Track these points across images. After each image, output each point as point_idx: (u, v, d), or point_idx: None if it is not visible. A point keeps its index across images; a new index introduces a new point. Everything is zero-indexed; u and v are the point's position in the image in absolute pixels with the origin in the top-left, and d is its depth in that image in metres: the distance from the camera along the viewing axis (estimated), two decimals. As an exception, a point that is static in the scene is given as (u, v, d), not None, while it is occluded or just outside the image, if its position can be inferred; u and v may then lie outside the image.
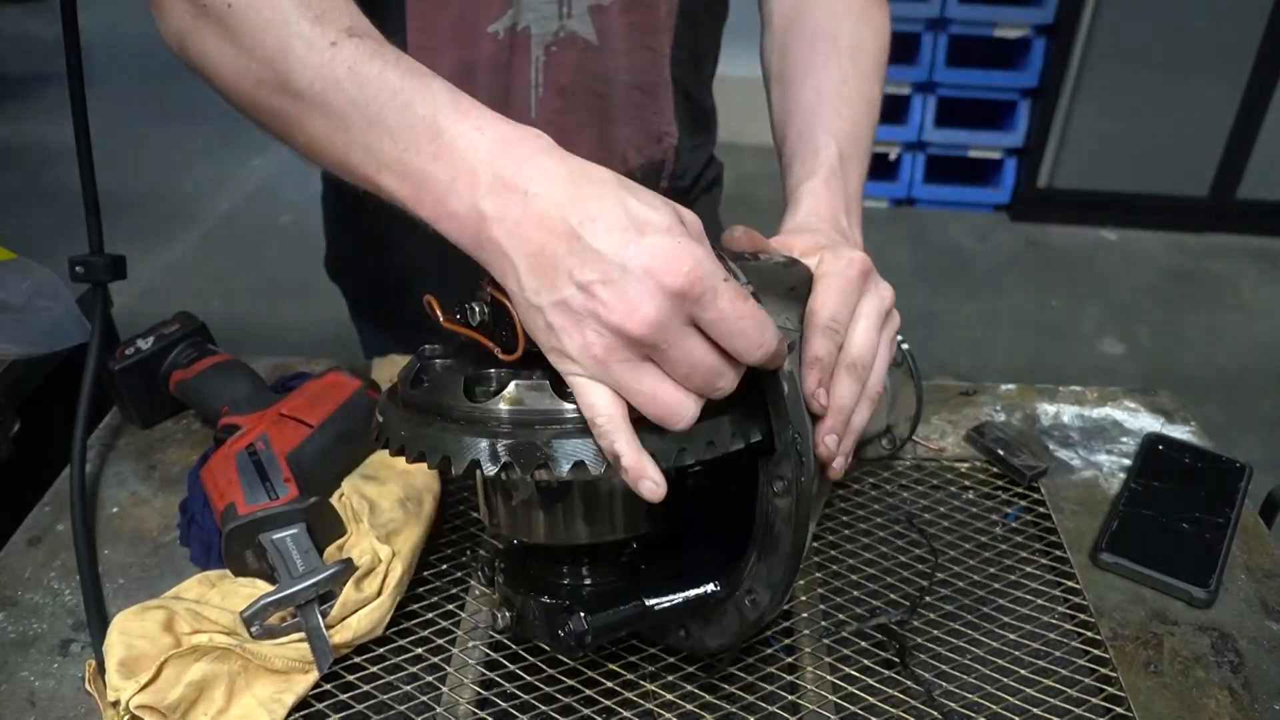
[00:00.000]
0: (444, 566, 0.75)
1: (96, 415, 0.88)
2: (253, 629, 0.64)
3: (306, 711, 0.64)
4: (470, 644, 0.69)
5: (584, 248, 0.46)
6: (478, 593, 0.73)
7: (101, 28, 4.75)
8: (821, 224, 0.69)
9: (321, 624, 0.65)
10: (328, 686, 0.65)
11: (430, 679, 0.66)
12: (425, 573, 0.74)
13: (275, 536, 0.69)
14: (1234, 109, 3.20)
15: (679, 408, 0.48)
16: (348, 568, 0.67)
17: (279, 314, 2.96)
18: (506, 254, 0.48)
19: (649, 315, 0.46)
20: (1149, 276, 3.20)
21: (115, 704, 0.61)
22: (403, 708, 0.64)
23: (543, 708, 0.64)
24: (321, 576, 0.65)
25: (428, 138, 0.50)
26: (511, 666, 0.67)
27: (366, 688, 0.65)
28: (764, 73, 0.86)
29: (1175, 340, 2.90)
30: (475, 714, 0.64)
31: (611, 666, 0.67)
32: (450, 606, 0.72)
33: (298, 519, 0.70)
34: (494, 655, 0.68)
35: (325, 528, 0.71)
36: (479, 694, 0.65)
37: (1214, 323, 3.00)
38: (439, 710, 0.64)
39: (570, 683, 0.66)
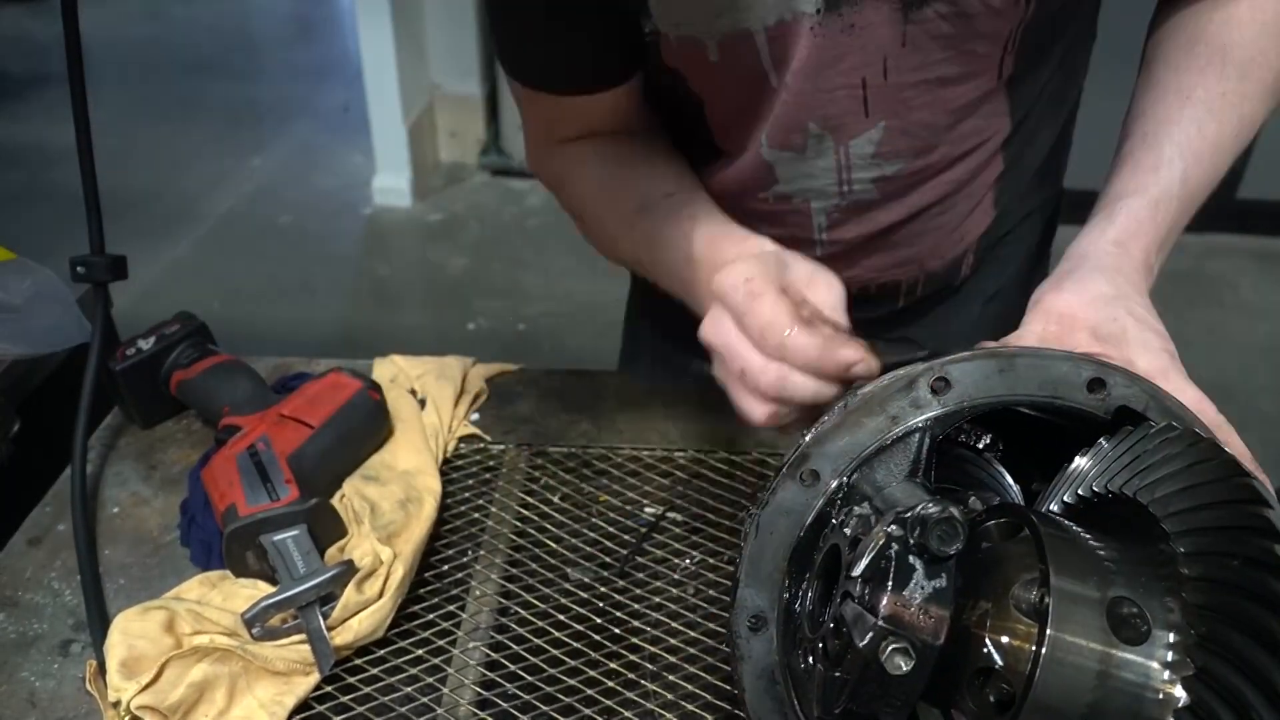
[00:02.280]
0: (445, 567, 0.75)
1: (97, 415, 0.88)
2: (254, 630, 0.64)
3: (307, 713, 0.64)
4: (471, 644, 0.69)
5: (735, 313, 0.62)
6: (478, 593, 0.73)
7: (102, 28, 4.75)
8: (1122, 267, 0.61)
9: (323, 625, 0.65)
10: (328, 688, 0.65)
11: (431, 680, 0.66)
12: (426, 574, 0.74)
13: (276, 538, 0.69)
14: (1234, 109, 3.19)
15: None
16: (349, 569, 0.67)
17: (279, 314, 2.96)
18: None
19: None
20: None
21: (116, 704, 0.61)
22: (403, 709, 0.64)
23: (543, 708, 0.64)
24: (323, 578, 0.65)
25: (688, 269, 0.71)
26: (512, 667, 0.67)
27: (367, 689, 0.65)
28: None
29: (1175, 340, 2.90)
30: (476, 714, 0.64)
31: (612, 666, 0.67)
32: (451, 607, 0.71)
33: (299, 520, 0.70)
34: (494, 656, 0.68)
35: (326, 529, 0.71)
36: (479, 694, 0.65)
37: (1214, 323, 3.00)
38: (440, 711, 0.64)
39: (571, 683, 0.66)
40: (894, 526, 0.41)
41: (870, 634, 0.40)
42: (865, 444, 0.48)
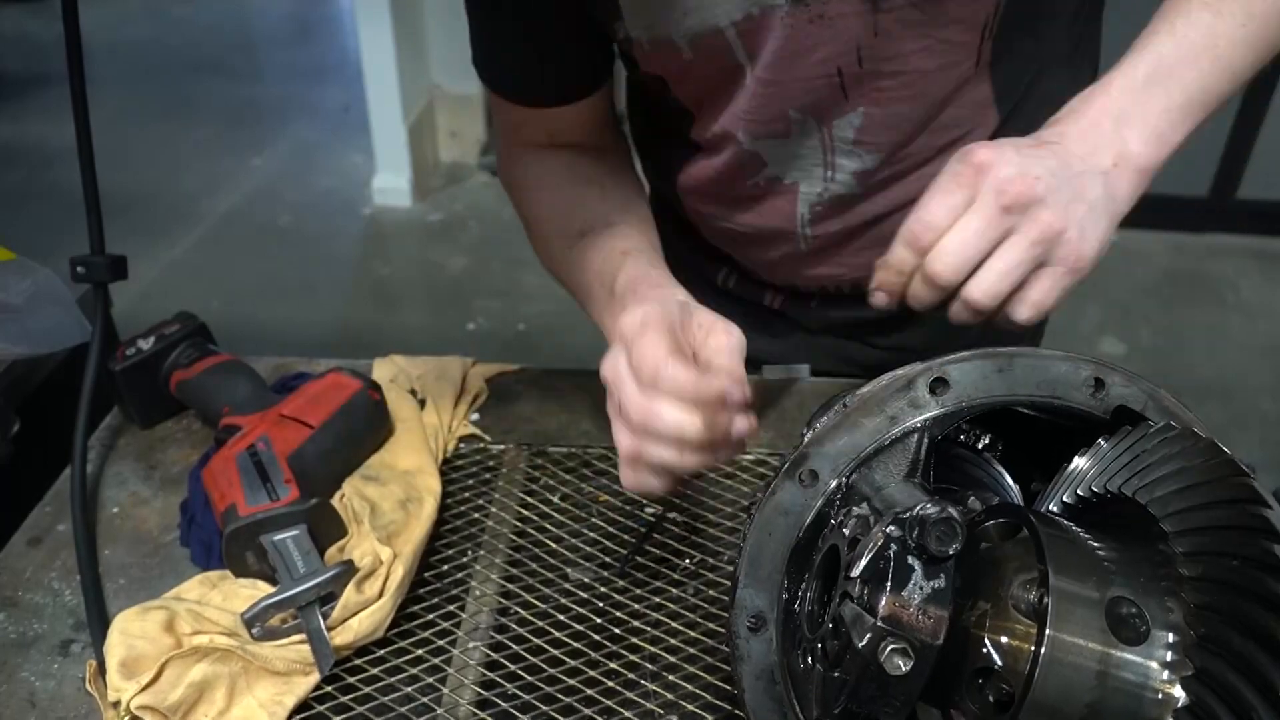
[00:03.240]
0: (445, 567, 0.75)
1: (97, 415, 0.88)
2: (254, 630, 0.64)
3: (307, 714, 0.64)
4: (470, 644, 0.69)
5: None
6: (478, 593, 0.73)
7: (102, 28, 4.75)
8: (1064, 123, 0.61)
9: (323, 625, 0.65)
10: (328, 688, 0.65)
11: (431, 680, 0.66)
12: (426, 574, 0.74)
13: (276, 538, 0.69)
14: (1234, 109, 3.20)
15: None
16: (349, 569, 0.67)
17: (279, 314, 2.96)
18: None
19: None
20: (1149, 276, 3.19)
21: (116, 704, 0.61)
22: (403, 709, 0.64)
23: (543, 708, 0.64)
24: (323, 578, 0.65)
25: (608, 294, 0.73)
26: (512, 667, 0.67)
27: (367, 689, 0.65)
28: None
29: (1175, 340, 2.90)
30: (475, 714, 0.64)
31: (612, 666, 0.67)
32: (450, 607, 0.71)
33: (299, 520, 0.70)
34: (494, 656, 0.68)
35: (326, 529, 0.71)
36: (479, 694, 0.65)
37: (1214, 323, 3.00)
38: (439, 711, 0.64)
39: (571, 683, 0.66)
40: (892, 527, 0.41)
41: (869, 634, 0.40)
42: (863, 444, 0.48)
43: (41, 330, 0.90)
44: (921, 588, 0.40)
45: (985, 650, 0.42)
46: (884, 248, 0.82)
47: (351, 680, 0.66)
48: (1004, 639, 0.41)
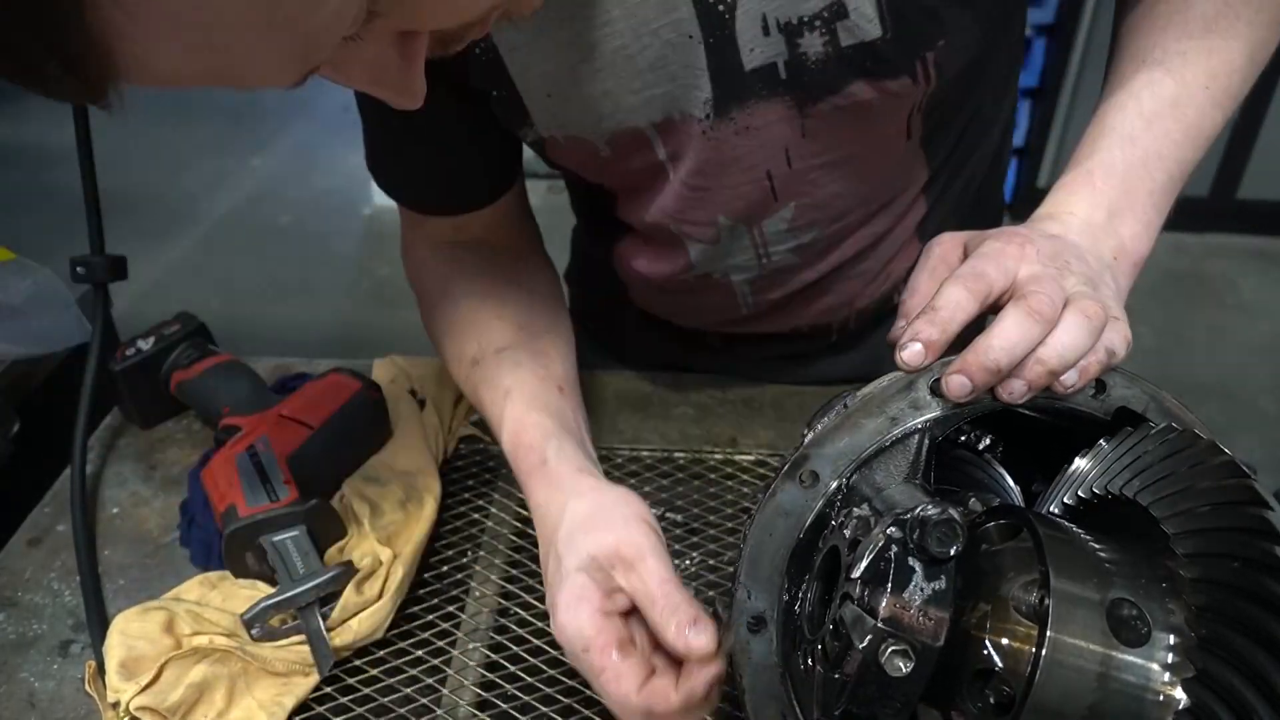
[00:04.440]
0: (444, 568, 0.75)
1: (97, 415, 0.88)
2: (254, 630, 0.64)
3: (306, 714, 0.63)
4: (470, 645, 0.68)
5: (547, 580, 0.61)
6: (478, 594, 0.72)
7: (101, 27, 4.74)
8: (1058, 231, 0.57)
9: (322, 626, 0.65)
10: (328, 689, 0.65)
11: (430, 681, 0.66)
12: (425, 574, 0.74)
13: (276, 539, 0.69)
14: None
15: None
16: (348, 570, 0.67)
17: (279, 314, 2.96)
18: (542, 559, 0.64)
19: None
20: (1149, 276, 3.17)
21: (115, 705, 0.60)
22: (403, 710, 0.64)
23: (543, 709, 0.64)
24: (322, 579, 0.65)
25: (510, 454, 0.68)
26: (512, 668, 0.67)
27: (366, 690, 0.65)
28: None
29: (1175, 340, 2.90)
30: (475, 715, 0.64)
31: (612, 668, 0.67)
32: (450, 608, 0.71)
33: (298, 521, 0.70)
34: (494, 657, 0.68)
35: (326, 530, 0.71)
36: (479, 695, 0.65)
37: (1214, 323, 3.00)
38: (439, 712, 0.64)
39: (570, 683, 0.66)
40: (893, 528, 0.41)
41: (870, 635, 0.40)
42: (864, 445, 0.48)
43: (41, 330, 0.90)
44: (922, 589, 0.40)
45: (986, 652, 0.42)
46: (829, 299, 0.83)
47: (351, 681, 0.66)
48: (1005, 640, 0.41)
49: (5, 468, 0.87)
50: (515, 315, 0.75)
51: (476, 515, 0.80)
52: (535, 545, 0.77)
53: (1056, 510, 0.49)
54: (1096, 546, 0.43)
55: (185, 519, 0.77)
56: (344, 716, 0.63)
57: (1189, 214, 3.37)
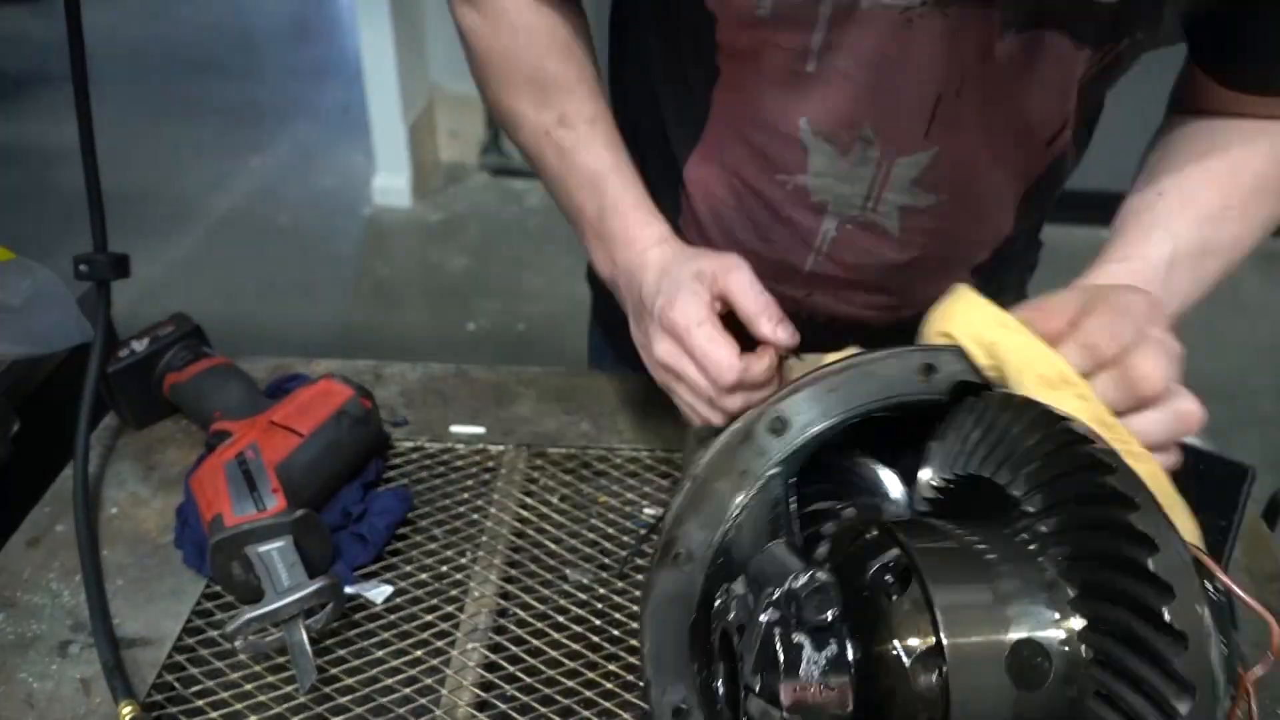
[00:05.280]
0: (443, 568, 0.75)
1: (97, 415, 0.88)
2: (237, 643, 0.63)
3: (305, 714, 0.63)
4: (469, 646, 0.68)
5: (644, 325, 0.69)
6: (477, 594, 0.72)
7: (102, 28, 4.74)
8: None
9: (305, 640, 0.64)
10: (326, 689, 0.65)
11: (429, 681, 0.66)
12: (424, 574, 0.74)
13: (261, 549, 0.68)
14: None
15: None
16: (334, 583, 0.66)
17: (278, 314, 2.96)
18: (625, 308, 0.73)
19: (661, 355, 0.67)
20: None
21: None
22: (402, 710, 0.64)
23: (541, 709, 0.64)
24: (307, 591, 0.65)
25: (595, 222, 0.74)
26: (511, 668, 0.67)
27: (365, 690, 0.65)
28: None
29: (1175, 340, 2.90)
30: (474, 715, 0.64)
31: (611, 667, 0.67)
32: (449, 608, 0.71)
33: (284, 532, 0.69)
34: (493, 657, 0.68)
35: (312, 541, 0.71)
36: (478, 696, 0.65)
37: (1214, 323, 3.00)
38: (438, 712, 0.64)
39: (569, 684, 0.66)
40: (769, 611, 0.41)
41: None
42: (725, 510, 0.48)
43: (41, 330, 0.90)
44: (816, 662, 0.40)
45: (899, 664, 0.40)
46: (884, 297, 0.82)
47: (350, 681, 0.66)
48: (910, 650, 0.39)
49: (4, 468, 0.87)
50: (593, 87, 0.76)
51: (475, 516, 0.79)
52: (534, 546, 0.77)
53: (928, 496, 0.49)
54: (962, 532, 0.43)
55: (180, 521, 0.77)
56: (343, 716, 0.63)
57: (1189, 214, 3.36)
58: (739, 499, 0.48)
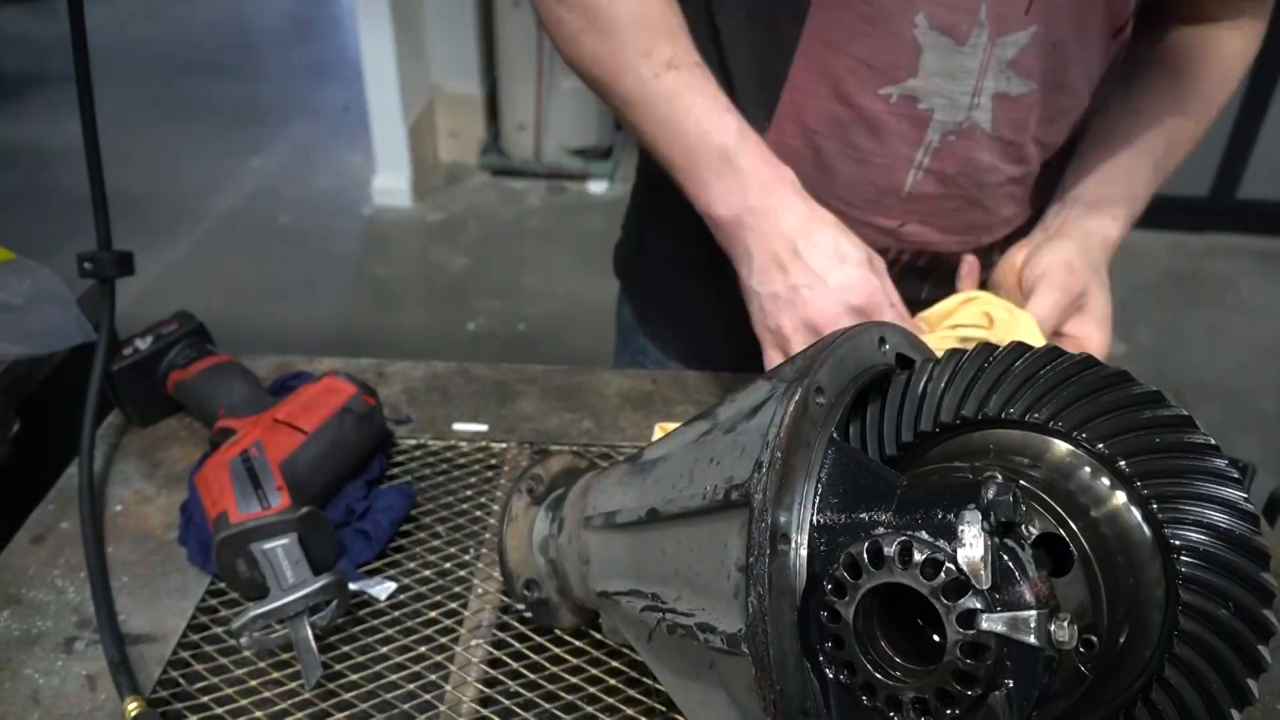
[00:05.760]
0: (447, 565, 0.75)
1: (102, 412, 0.88)
2: (242, 639, 0.63)
3: (310, 710, 0.64)
4: (473, 642, 0.69)
5: (802, 263, 0.69)
6: (480, 591, 0.73)
7: (102, 28, 4.75)
8: (1091, 249, 0.81)
9: (310, 636, 0.64)
10: (331, 685, 0.65)
11: (434, 677, 0.66)
12: (428, 571, 0.74)
13: (266, 546, 0.68)
14: (1234, 109, 3.20)
15: None
16: (338, 579, 0.66)
17: (279, 314, 2.97)
18: (750, 250, 0.71)
19: (830, 315, 0.67)
20: (1149, 276, 3.20)
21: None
22: (406, 706, 0.64)
23: (546, 705, 0.64)
24: (311, 588, 0.65)
25: (719, 159, 0.71)
26: (515, 665, 0.67)
27: (370, 686, 0.65)
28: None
29: (1175, 340, 2.90)
30: (479, 712, 0.64)
31: (614, 664, 0.67)
32: (453, 605, 0.72)
33: (289, 529, 0.69)
34: (497, 654, 0.68)
35: (317, 538, 0.71)
36: (482, 692, 0.65)
37: (1214, 323, 3.00)
38: (442, 709, 0.64)
39: (573, 681, 0.66)
40: (981, 524, 0.39)
41: (1034, 627, 0.38)
42: (807, 485, 0.45)
43: (41, 330, 0.90)
44: (1029, 559, 0.40)
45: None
46: (980, 212, 0.86)
47: (354, 677, 0.66)
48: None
49: (6, 467, 0.87)
50: (688, 33, 0.76)
51: (479, 514, 0.80)
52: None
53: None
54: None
55: (184, 518, 0.77)
56: (347, 713, 0.64)
57: (1189, 214, 3.38)
58: (813, 469, 0.45)
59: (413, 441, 0.87)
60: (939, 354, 0.50)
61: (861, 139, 0.80)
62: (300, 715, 0.63)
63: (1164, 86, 0.87)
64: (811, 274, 0.68)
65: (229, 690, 0.65)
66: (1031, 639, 0.38)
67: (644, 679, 0.66)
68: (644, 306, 1.06)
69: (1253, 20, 0.88)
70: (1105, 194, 0.84)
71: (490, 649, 0.68)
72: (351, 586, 0.71)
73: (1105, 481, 0.44)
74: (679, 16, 0.75)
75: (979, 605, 0.38)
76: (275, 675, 0.66)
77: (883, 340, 0.52)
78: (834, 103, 0.79)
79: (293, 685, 0.65)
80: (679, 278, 0.99)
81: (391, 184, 3.49)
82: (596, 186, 3.78)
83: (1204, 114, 0.89)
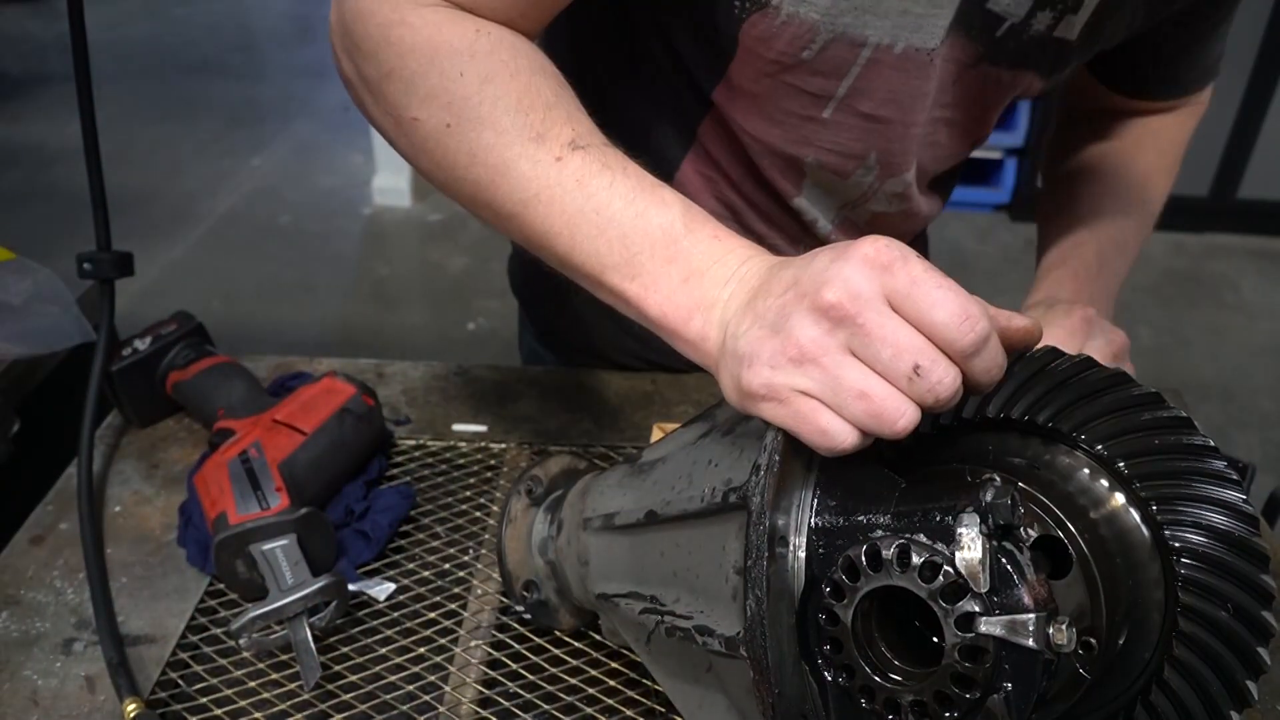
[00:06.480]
0: (446, 566, 0.75)
1: (101, 412, 0.88)
2: (242, 641, 0.63)
3: (309, 711, 0.64)
4: (473, 643, 0.69)
5: (791, 270, 0.47)
6: (480, 592, 0.73)
7: (102, 28, 4.75)
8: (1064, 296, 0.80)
9: (309, 637, 0.64)
10: (330, 686, 0.65)
11: (433, 678, 0.66)
12: (427, 572, 0.74)
13: (265, 547, 0.68)
14: (1234, 109, 3.20)
15: (892, 402, 0.42)
16: (337, 581, 0.66)
17: (279, 314, 2.96)
18: (714, 339, 0.50)
19: (847, 286, 0.43)
20: (1149, 276, 3.20)
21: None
22: (405, 707, 0.64)
23: (545, 706, 0.64)
24: (310, 589, 0.65)
25: (664, 243, 0.53)
26: (514, 666, 0.67)
27: (369, 687, 0.65)
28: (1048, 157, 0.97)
29: (1175, 340, 2.90)
30: (478, 713, 0.64)
31: (613, 665, 0.67)
32: (453, 606, 0.72)
33: (288, 530, 0.69)
34: (496, 655, 0.68)
35: (316, 538, 0.71)
36: (482, 693, 0.65)
37: (1214, 323, 3.00)
38: (442, 710, 0.64)
39: (572, 681, 0.66)
40: (980, 527, 0.39)
41: (1032, 629, 0.38)
42: (804, 488, 0.44)
43: (41, 330, 0.90)
44: (1029, 563, 0.40)
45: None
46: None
47: (354, 678, 0.66)
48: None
49: (6, 467, 0.87)
50: (584, 111, 0.60)
51: (478, 514, 0.80)
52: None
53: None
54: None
55: (183, 519, 0.77)
56: (346, 714, 0.64)
57: (1189, 214, 3.37)
58: (811, 472, 0.44)
59: (412, 442, 0.87)
60: None
61: (751, 221, 0.83)
62: (299, 716, 0.63)
63: (1110, 201, 0.89)
64: (788, 332, 0.49)
65: (228, 691, 0.65)
66: (1030, 642, 0.38)
67: (643, 680, 0.66)
68: (537, 315, 1.04)
69: (1193, 106, 0.92)
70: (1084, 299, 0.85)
71: (489, 650, 0.68)
72: (351, 587, 0.71)
73: (1104, 483, 0.44)
74: (574, 97, 0.60)
75: (977, 608, 0.38)
76: (274, 676, 0.66)
77: None
78: (726, 204, 0.82)
79: (292, 686, 0.65)
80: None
81: (391, 184, 3.49)
82: (596, 186, 3.77)
83: (1152, 216, 0.93)
